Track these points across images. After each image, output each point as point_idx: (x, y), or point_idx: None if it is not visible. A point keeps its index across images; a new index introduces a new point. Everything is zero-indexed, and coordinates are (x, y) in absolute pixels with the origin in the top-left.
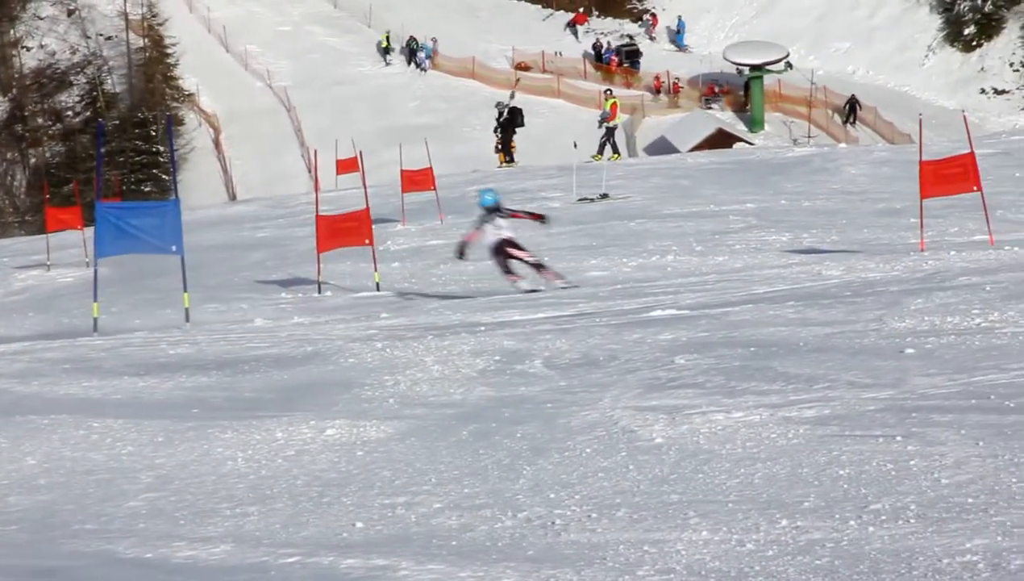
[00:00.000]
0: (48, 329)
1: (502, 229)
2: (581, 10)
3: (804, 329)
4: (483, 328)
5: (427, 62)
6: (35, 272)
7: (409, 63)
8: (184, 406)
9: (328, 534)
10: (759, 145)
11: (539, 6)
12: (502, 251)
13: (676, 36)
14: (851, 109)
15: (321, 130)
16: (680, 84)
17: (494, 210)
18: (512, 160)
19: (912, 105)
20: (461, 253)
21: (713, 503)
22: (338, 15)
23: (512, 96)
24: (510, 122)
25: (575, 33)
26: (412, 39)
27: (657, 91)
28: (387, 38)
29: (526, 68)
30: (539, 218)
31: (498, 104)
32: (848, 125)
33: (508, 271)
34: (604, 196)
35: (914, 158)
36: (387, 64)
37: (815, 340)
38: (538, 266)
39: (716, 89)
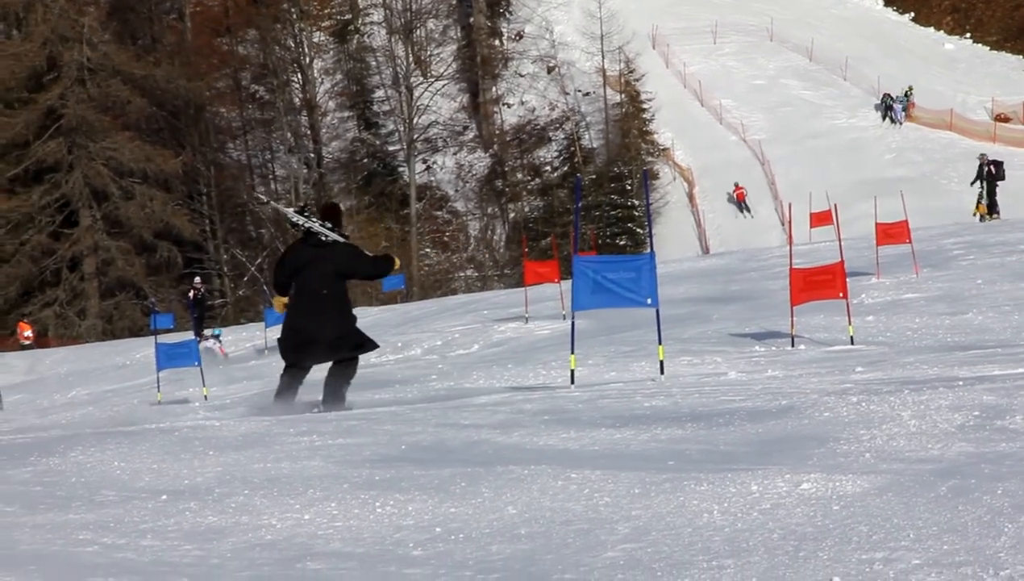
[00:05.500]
0: (526, 381)
1: None
2: None
3: None
4: (961, 383)
5: (902, 114)
6: (513, 324)
7: (884, 117)
8: (660, 458)
9: None
10: None
11: (1021, 56)
12: None
13: None
14: None
15: (794, 183)
16: None
17: None
18: (995, 213)
19: None
20: None
21: None
22: (814, 68)
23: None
24: (993, 175)
25: None
26: (886, 95)
27: None
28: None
29: (1005, 120)
30: None
31: (981, 156)
32: None
33: None
34: None
35: None
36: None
37: None
38: None
39: None
